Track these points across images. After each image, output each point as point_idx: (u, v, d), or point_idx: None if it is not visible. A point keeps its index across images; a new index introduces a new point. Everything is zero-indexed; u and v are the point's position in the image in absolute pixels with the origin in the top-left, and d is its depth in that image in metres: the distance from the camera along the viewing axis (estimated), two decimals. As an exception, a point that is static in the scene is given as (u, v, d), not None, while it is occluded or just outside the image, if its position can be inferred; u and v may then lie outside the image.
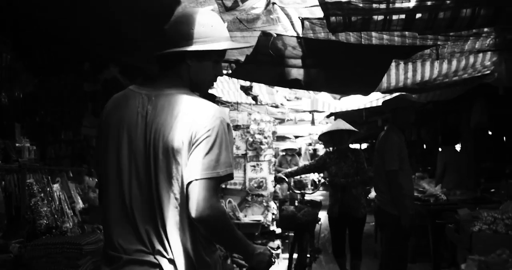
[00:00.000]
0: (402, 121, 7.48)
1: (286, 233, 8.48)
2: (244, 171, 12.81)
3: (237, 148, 12.85)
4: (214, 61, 3.21)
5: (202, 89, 3.27)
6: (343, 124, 9.12)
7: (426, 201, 9.72)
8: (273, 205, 11.98)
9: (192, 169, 2.87)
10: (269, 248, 3.40)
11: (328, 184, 9.24)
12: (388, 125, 7.73)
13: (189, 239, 2.95)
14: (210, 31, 3.11)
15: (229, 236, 3.07)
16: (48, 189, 6.31)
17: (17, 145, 6.84)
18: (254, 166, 12.97)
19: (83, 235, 6.03)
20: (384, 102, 8.04)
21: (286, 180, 9.30)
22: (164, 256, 2.92)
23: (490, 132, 13.73)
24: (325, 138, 9.60)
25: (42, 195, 6.13)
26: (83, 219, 6.93)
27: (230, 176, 3.00)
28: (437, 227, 8.62)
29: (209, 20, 3.14)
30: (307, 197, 9.13)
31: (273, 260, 3.34)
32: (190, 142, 2.89)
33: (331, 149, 9.52)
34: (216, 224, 2.93)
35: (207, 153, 2.88)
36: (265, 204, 11.52)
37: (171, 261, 2.92)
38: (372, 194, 11.88)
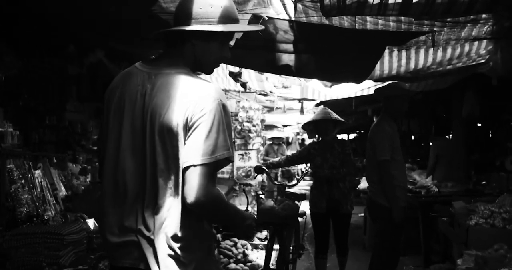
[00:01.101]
0: (395, 110, 7.28)
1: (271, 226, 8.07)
2: (232, 159, 12.68)
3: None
4: (221, 42, 3.14)
5: (206, 69, 3.24)
6: (329, 114, 8.48)
7: (417, 193, 9.55)
8: (261, 195, 11.79)
9: (190, 153, 2.83)
10: (252, 214, 3.45)
11: (312, 176, 8.66)
12: (380, 114, 7.50)
13: (179, 222, 2.90)
14: (218, 12, 3.03)
15: (223, 217, 3.16)
16: (29, 176, 6.15)
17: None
18: (242, 155, 12.89)
19: (65, 224, 5.87)
20: (376, 90, 7.82)
21: (267, 170, 8.61)
22: (144, 235, 2.91)
23: (479, 124, 13.62)
24: (309, 127, 9.09)
25: (22, 181, 5.97)
26: (66, 207, 6.82)
27: (229, 160, 2.95)
28: (429, 219, 8.47)
29: (219, 1, 3.05)
30: (291, 189, 8.65)
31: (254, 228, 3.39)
32: (185, 124, 2.85)
33: (315, 139, 9.20)
34: (212, 210, 2.93)
35: (205, 137, 2.83)
36: (253, 193, 11.33)
37: (150, 241, 2.90)
38: (362, 185, 11.75)
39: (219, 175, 12.30)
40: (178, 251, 2.88)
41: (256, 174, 9.25)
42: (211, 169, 2.84)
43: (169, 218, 2.88)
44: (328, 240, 8.29)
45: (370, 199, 7.25)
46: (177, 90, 2.91)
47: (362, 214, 12.26)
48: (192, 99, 2.86)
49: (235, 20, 3.12)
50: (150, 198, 2.91)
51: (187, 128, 2.84)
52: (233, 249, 8.66)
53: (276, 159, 9.35)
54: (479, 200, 7.43)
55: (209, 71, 3.26)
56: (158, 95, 2.94)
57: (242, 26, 3.35)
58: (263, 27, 3.30)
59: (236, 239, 8.99)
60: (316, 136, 8.94)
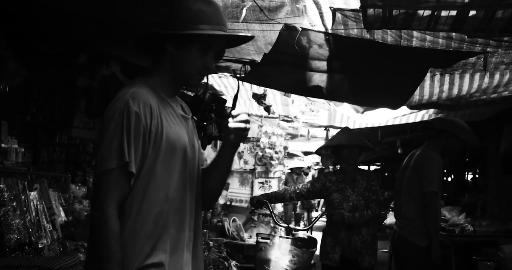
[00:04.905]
0: (446, 148, 6.51)
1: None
2: (252, 187, 12.28)
3: (245, 163, 12.30)
4: (200, 50, 2.88)
5: (186, 81, 3.03)
6: (354, 138, 6.82)
7: (451, 231, 8.85)
8: (261, 240, 10.92)
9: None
10: None
11: (326, 217, 6.78)
12: (426, 144, 6.67)
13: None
14: (196, 17, 2.81)
15: (99, 246, 2.57)
16: (22, 197, 5.54)
17: (2, 145, 6.46)
18: (262, 183, 12.46)
19: (60, 256, 5.24)
20: (438, 120, 7.11)
21: (268, 204, 6.68)
22: None
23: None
24: (326, 152, 7.33)
25: (14, 204, 5.36)
26: (66, 235, 6.35)
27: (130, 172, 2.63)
28: (466, 261, 7.80)
29: (199, 6, 2.83)
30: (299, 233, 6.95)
31: None
32: None
33: (331, 168, 8.12)
34: (93, 228, 2.61)
35: (101, 144, 2.65)
36: (272, 224, 10.74)
37: None
38: (388, 220, 11.10)
39: (237, 204, 11.83)
40: None
41: (253, 208, 7.28)
42: (106, 178, 2.59)
43: None
44: None
45: (400, 237, 6.44)
46: None
47: (387, 250, 11.64)
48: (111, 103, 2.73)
49: (218, 27, 2.86)
50: None
51: None
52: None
53: (281, 191, 7.76)
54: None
55: (191, 84, 3.08)
56: None
57: (218, 31, 2.87)
58: (251, 35, 3.08)
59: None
60: (332, 164, 7.83)
